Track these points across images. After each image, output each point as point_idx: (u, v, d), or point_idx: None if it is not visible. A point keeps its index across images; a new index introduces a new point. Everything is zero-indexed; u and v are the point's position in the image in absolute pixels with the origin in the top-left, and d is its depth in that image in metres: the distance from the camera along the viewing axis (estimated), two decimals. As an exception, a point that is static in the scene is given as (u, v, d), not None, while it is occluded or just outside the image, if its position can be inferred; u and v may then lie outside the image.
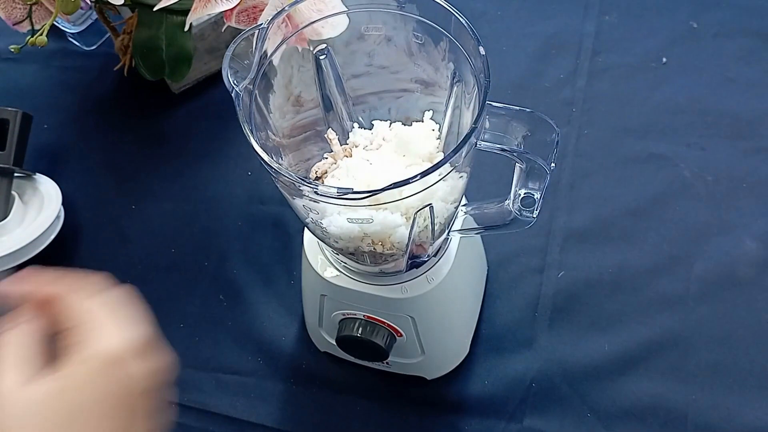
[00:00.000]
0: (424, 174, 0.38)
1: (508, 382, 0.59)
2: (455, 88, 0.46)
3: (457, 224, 0.53)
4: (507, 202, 0.47)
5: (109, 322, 0.35)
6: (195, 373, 0.62)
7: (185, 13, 0.57)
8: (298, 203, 0.43)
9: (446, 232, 0.50)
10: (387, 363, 0.58)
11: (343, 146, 0.49)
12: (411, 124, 0.48)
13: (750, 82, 0.73)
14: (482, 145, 0.41)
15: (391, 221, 0.43)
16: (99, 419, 0.33)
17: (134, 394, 0.34)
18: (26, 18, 0.60)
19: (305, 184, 0.39)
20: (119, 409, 0.34)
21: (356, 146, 0.49)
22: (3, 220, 0.66)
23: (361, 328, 0.53)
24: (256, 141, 0.40)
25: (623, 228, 0.65)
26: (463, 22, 0.42)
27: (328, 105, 0.50)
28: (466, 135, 0.39)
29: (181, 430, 0.59)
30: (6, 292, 0.36)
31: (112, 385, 0.34)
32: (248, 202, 0.71)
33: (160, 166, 0.74)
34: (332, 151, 0.49)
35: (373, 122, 0.49)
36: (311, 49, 0.48)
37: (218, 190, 0.72)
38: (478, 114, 0.39)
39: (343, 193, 0.38)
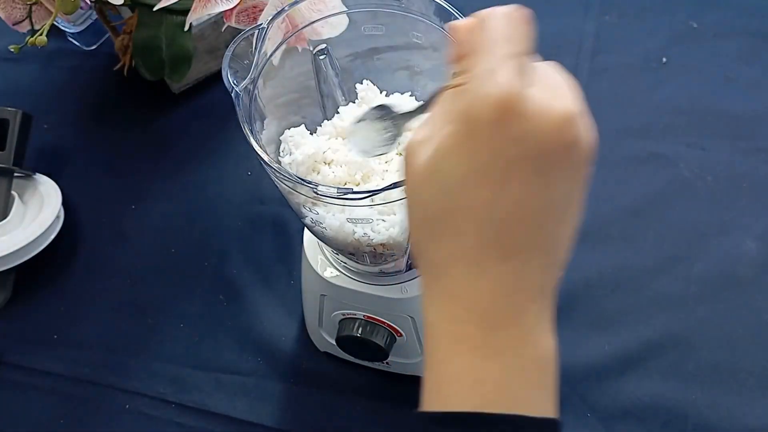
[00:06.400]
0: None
1: (508, 382, 0.59)
2: (455, 88, 0.46)
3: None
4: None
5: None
6: (195, 373, 0.62)
7: (185, 13, 0.57)
8: (298, 203, 0.43)
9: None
10: (387, 363, 0.58)
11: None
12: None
13: (750, 82, 0.73)
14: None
15: (390, 222, 0.43)
16: None
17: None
18: (26, 18, 0.60)
19: (305, 183, 0.39)
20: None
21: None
22: (3, 220, 0.66)
23: (361, 328, 0.53)
24: (256, 141, 0.40)
25: (623, 228, 0.65)
26: (463, 22, 0.42)
27: (327, 105, 0.50)
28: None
29: (181, 430, 0.59)
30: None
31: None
32: (248, 202, 0.71)
33: (159, 166, 0.74)
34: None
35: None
36: (311, 49, 0.48)
37: (218, 190, 0.72)
38: (478, 114, 0.39)
39: (343, 193, 0.38)
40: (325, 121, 0.49)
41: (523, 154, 0.28)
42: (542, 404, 0.30)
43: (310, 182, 0.38)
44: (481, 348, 0.29)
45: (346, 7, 0.46)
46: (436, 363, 0.30)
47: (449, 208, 0.30)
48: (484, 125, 0.28)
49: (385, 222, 0.43)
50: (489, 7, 0.30)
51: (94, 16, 0.79)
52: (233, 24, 0.56)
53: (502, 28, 0.29)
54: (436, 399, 0.30)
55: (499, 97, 0.27)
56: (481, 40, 0.29)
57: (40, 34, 0.57)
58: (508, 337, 0.29)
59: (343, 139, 0.48)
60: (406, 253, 0.46)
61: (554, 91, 0.29)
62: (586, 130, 0.29)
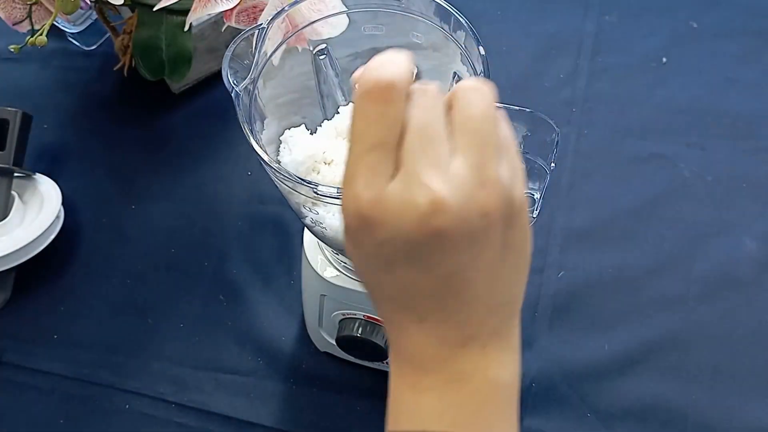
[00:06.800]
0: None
1: (508, 382, 0.59)
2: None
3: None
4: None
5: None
6: (195, 373, 0.62)
7: (185, 13, 0.57)
8: (298, 203, 0.43)
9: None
10: (387, 363, 0.58)
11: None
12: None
13: (750, 82, 0.73)
14: (482, 145, 0.41)
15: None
16: None
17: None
18: (26, 18, 0.60)
19: (305, 183, 0.39)
20: None
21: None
22: (3, 220, 0.66)
23: (361, 328, 0.53)
24: (256, 141, 0.40)
25: (623, 228, 0.65)
26: (463, 21, 0.42)
27: (327, 105, 0.50)
28: (466, 135, 0.39)
29: (181, 430, 0.59)
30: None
31: None
32: (248, 202, 0.71)
33: (160, 166, 0.74)
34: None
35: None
36: (311, 49, 0.48)
37: (218, 190, 0.72)
38: (478, 114, 0.39)
39: (343, 193, 0.38)
40: (325, 121, 0.49)
41: (394, 251, 0.29)
42: (488, 429, 0.32)
43: (310, 182, 0.38)
44: (417, 386, 0.32)
45: (346, 7, 0.46)
46: (391, 392, 0.34)
47: (363, 281, 0.33)
48: (352, 233, 0.30)
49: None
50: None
51: (94, 16, 0.79)
52: (233, 24, 0.56)
53: (361, 113, 0.29)
54: (390, 422, 0.33)
55: (354, 211, 0.29)
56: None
57: (40, 34, 0.57)
58: (438, 377, 0.32)
59: (344, 139, 0.48)
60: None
61: (418, 176, 0.28)
62: (461, 209, 0.28)
